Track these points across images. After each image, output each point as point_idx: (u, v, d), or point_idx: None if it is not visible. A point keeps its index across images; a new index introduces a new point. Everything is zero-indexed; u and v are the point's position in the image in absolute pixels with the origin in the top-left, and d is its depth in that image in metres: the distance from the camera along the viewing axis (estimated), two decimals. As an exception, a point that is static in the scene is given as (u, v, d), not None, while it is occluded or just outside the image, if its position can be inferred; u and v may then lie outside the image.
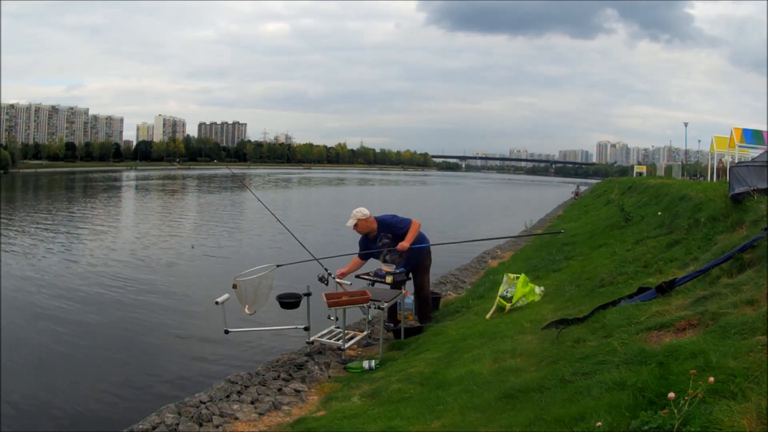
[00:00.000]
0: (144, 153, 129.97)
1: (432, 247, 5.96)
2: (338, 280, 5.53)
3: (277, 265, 5.36)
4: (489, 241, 12.91)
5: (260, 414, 3.86)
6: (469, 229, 19.09)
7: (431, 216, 20.94)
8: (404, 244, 5.44)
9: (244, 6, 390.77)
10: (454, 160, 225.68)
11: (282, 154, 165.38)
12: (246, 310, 4.93)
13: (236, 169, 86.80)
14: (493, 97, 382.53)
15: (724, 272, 3.47)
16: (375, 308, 5.00)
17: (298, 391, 4.26)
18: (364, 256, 5.68)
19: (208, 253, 13.01)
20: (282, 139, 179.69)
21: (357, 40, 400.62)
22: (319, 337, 5.21)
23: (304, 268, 6.13)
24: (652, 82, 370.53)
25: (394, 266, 5.54)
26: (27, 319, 7.26)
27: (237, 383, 4.43)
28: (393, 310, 5.73)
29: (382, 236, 5.60)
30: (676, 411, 1.66)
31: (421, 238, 5.71)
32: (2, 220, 18.11)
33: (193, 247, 7.16)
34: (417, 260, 5.71)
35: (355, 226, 5.60)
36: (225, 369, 5.31)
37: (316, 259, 5.62)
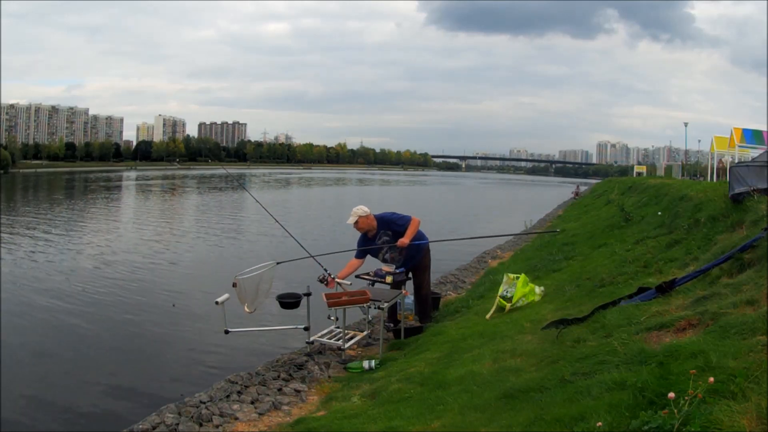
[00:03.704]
0: (144, 153, 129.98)
1: (432, 247, 5.96)
2: (338, 280, 5.53)
3: (277, 263, 5.36)
4: (489, 241, 12.93)
5: (260, 414, 3.86)
6: (468, 229, 19.08)
7: (430, 216, 20.94)
8: (404, 240, 5.43)
9: (244, 6, 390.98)
10: (454, 160, 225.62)
11: (282, 154, 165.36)
12: (246, 308, 4.94)
13: (236, 170, 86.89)
14: (494, 97, 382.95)
15: (724, 272, 3.47)
16: (375, 308, 5.00)
17: (298, 391, 4.26)
18: (361, 254, 5.66)
19: (208, 254, 13.03)
20: (282, 139, 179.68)
21: (357, 40, 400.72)
22: (319, 337, 5.21)
23: (304, 268, 6.14)
24: (653, 82, 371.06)
25: (394, 266, 5.55)
26: (26, 320, 7.26)
27: (237, 383, 4.43)
28: (393, 310, 5.73)
29: (382, 234, 5.60)
30: (676, 411, 1.66)
31: (419, 236, 5.71)
32: (2, 220, 18.11)
33: (174, 305, 7.32)
34: (416, 259, 5.71)
35: (356, 223, 5.59)
36: (225, 369, 5.31)
37: (312, 256, 5.61)
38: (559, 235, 10.85)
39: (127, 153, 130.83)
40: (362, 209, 5.59)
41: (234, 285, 4.80)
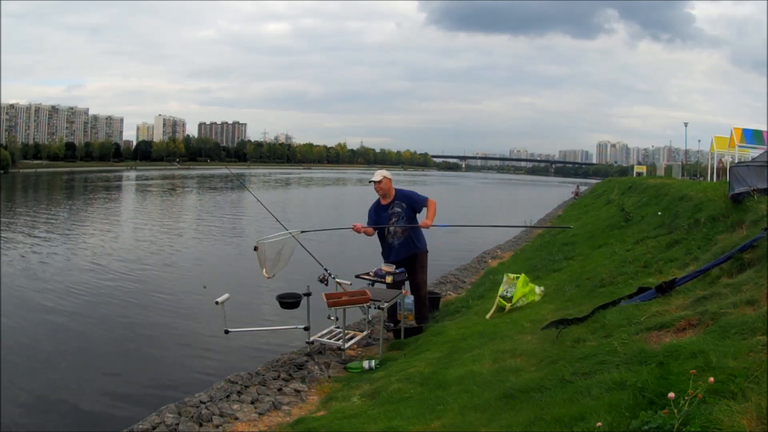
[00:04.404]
0: (144, 153, 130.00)
1: (435, 243, 5.98)
2: (338, 281, 5.54)
3: (302, 231, 5.52)
4: (489, 241, 12.98)
5: (260, 414, 3.86)
6: (469, 229, 19.05)
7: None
8: (427, 222, 5.54)
9: (245, 6, 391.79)
10: (454, 160, 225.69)
11: (282, 154, 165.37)
12: (264, 273, 5.03)
13: (236, 170, 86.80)
14: (494, 97, 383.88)
15: (724, 272, 3.47)
16: (375, 308, 5.00)
17: (298, 391, 4.26)
18: (374, 224, 5.73)
19: (207, 253, 13.02)
20: (282, 139, 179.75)
21: (357, 40, 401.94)
22: (319, 337, 5.20)
23: (304, 268, 6.14)
24: (653, 82, 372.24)
25: (394, 266, 5.55)
26: (27, 320, 7.26)
27: (237, 383, 4.43)
28: (393, 310, 5.73)
29: (396, 204, 5.67)
30: (676, 411, 1.66)
31: (417, 236, 5.73)
32: (2, 221, 18.10)
33: (204, 287, 7.30)
34: (416, 248, 5.68)
35: (378, 182, 5.67)
36: (225, 369, 5.30)
37: (293, 235, 5.62)
38: (559, 234, 10.85)
39: (127, 153, 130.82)
40: (388, 172, 5.81)
41: (255, 249, 4.91)
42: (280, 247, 5.09)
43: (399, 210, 5.64)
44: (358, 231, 5.60)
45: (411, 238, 5.65)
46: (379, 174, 5.73)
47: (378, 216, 5.72)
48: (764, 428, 1.60)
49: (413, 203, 5.71)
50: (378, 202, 5.79)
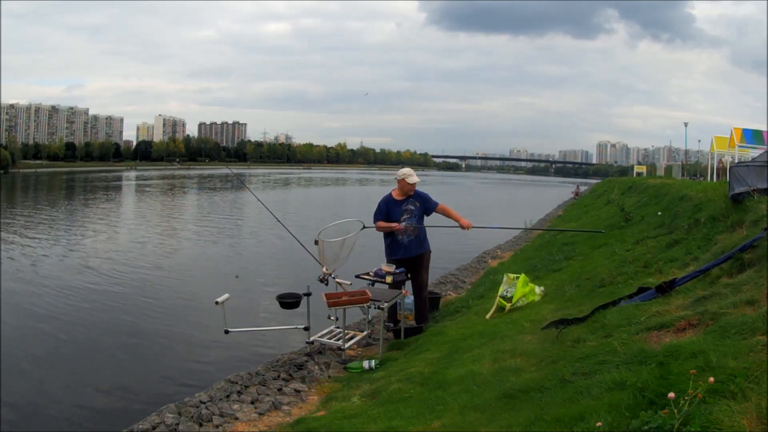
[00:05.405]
0: (144, 153, 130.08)
1: (434, 243, 5.99)
2: (338, 281, 5.54)
3: (364, 226, 5.65)
4: (489, 241, 12.99)
5: (260, 414, 3.86)
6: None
7: (432, 217, 20.86)
8: (469, 223, 5.66)
9: (245, 6, 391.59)
10: (454, 160, 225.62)
11: (282, 154, 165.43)
12: (324, 269, 5.28)
13: (236, 170, 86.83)
14: (494, 97, 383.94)
15: (724, 272, 3.47)
16: (375, 308, 5.00)
17: (298, 391, 4.26)
18: (384, 217, 5.68)
19: (206, 254, 13.02)
20: (282, 139, 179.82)
21: (358, 40, 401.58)
22: (319, 337, 5.21)
23: (304, 268, 6.13)
24: (653, 82, 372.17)
25: (394, 266, 5.55)
26: (26, 320, 7.25)
27: (237, 383, 4.43)
28: (393, 310, 5.73)
29: (410, 202, 5.67)
30: (676, 411, 1.66)
31: (424, 236, 5.73)
32: (2, 221, 18.10)
33: (237, 277, 7.26)
34: (422, 249, 5.67)
35: (416, 182, 5.68)
36: (225, 369, 5.30)
37: (306, 249, 5.64)
38: (559, 234, 10.85)
39: (127, 153, 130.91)
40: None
41: (316, 243, 5.09)
42: (342, 241, 5.26)
43: (413, 208, 5.63)
44: (382, 230, 5.61)
45: (420, 237, 5.65)
46: (415, 177, 5.67)
47: (390, 210, 5.66)
48: (764, 428, 1.60)
49: (426, 204, 5.72)
50: (391, 195, 5.74)
